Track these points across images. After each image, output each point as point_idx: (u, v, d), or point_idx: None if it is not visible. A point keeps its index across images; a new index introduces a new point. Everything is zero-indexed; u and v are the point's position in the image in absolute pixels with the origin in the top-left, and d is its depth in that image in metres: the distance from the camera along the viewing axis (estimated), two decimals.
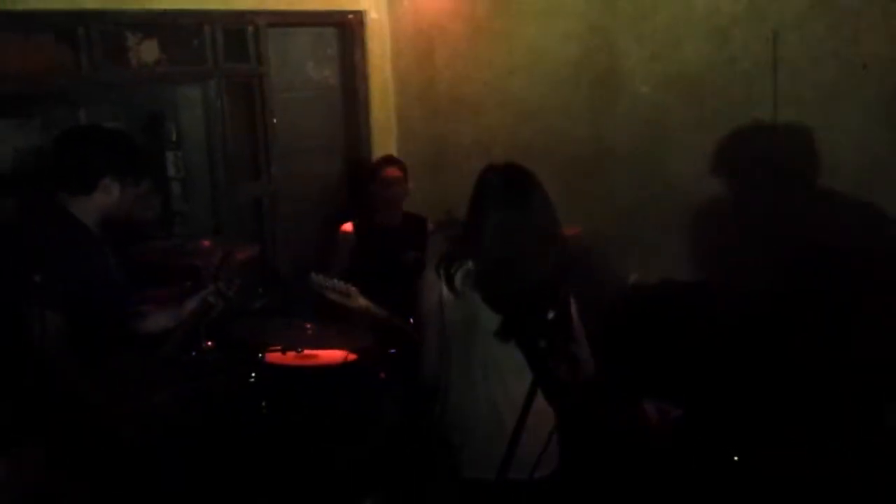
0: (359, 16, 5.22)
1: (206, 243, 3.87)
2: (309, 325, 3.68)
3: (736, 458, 3.14)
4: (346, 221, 4.52)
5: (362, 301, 3.59)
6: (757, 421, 3.21)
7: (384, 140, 5.37)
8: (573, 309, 2.71)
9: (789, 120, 3.56)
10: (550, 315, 2.52)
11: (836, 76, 3.42)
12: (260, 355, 3.71)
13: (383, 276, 4.05)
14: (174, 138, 4.96)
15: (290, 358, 3.70)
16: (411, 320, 3.43)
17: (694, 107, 3.90)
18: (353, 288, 3.59)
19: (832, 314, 3.21)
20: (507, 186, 2.64)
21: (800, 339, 3.29)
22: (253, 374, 3.64)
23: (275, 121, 4.99)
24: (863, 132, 3.36)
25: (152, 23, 4.47)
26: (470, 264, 2.66)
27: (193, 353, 3.66)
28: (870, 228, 3.34)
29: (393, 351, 3.73)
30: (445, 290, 2.70)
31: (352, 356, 3.58)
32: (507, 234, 2.60)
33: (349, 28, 5.23)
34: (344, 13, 5.19)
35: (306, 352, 3.69)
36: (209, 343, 3.72)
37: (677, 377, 3.59)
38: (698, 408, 3.40)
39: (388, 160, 4.59)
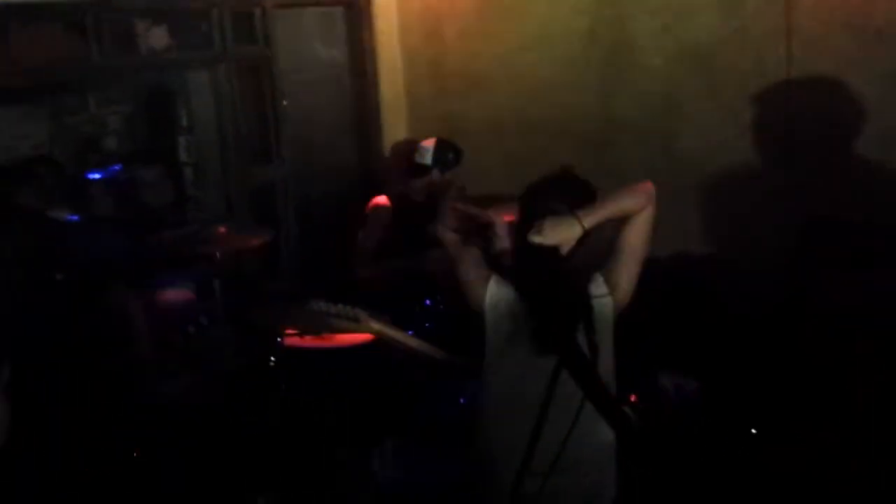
0: None
1: (223, 230, 3.88)
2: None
3: (754, 432, 3.16)
4: (373, 196, 4.37)
5: (374, 324, 3.20)
6: (774, 395, 3.22)
7: (394, 119, 5.35)
8: None
9: (803, 89, 3.53)
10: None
11: (850, 44, 3.39)
12: (279, 339, 3.73)
13: (420, 248, 4.02)
14: (185, 123, 4.96)
15: (309, 341, 3.72)
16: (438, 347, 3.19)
17: (706, 78, 3.88)
18: (362, 311, 3.20)
19: (846, 287, 3.21)
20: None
21: (813, 312, 3.29)
22: (272, 358, 3.67)
23: (284, 103, 4.98)
24: (877, 101, 3.33)
25: (160, 9, 4.46)
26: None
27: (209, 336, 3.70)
28: (884, 200, 3.33)
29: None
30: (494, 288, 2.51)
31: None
32: None
33: (356, 7, 5.19)
34: None
35: (325, 335, 3.71)
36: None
37: (692, 351, 3.60)
38: (715, 382, 3.41)
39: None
